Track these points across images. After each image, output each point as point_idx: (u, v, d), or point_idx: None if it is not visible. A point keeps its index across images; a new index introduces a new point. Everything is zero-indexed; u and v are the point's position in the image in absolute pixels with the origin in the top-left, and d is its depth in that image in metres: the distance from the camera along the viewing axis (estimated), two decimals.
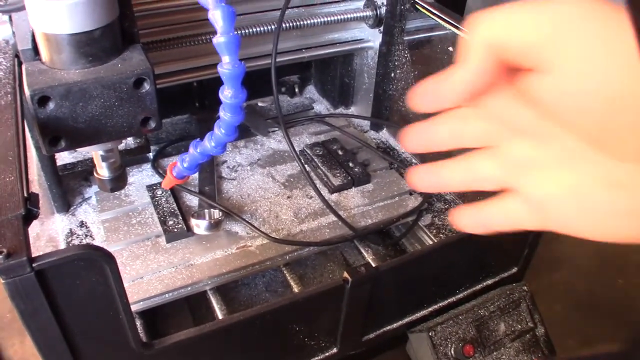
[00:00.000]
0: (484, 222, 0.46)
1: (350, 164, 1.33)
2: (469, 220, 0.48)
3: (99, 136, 0.86)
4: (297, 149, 1.39)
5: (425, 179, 0.49)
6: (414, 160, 1.43)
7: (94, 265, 0.65)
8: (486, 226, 0.46)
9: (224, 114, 0.73)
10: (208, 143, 0.79)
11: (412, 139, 0.48)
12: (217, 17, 0.69)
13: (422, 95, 0.44)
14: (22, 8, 0.77)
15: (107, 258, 0.65)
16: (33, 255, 0.60)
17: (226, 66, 0.69)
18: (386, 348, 1.23)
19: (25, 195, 0.64)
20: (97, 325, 0.73)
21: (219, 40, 0.69)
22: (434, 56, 1.33)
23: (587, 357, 0.50)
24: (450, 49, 1.27)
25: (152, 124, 0.88)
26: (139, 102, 0.85)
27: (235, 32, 0.69)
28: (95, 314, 0.72)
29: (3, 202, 0.62)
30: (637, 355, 0.48)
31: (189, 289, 1.07)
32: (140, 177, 1.31)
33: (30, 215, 0.62)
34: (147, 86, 0.84)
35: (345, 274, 0.87)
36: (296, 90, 1.67)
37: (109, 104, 0.83)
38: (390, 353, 1.24)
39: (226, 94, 0.71)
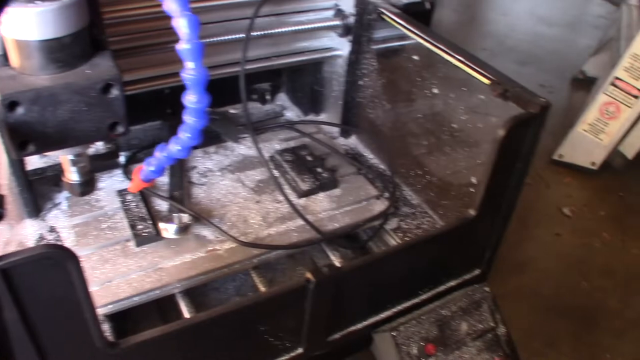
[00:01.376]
0: None
1: (319, 170, 1.36)
2: None
3: (68, 140, 0.88)
4: (267, 154, 1.42)
5: None
6: (381, 166, 1.47)
7: (57, 264, 0.67)
8: None
9: (188, 118, 0.75)
10: (173, 146, 0.81)
11: None
12: (181, 24, 0.72)
13: None
14: None
15: (71, 257, 0.67)
16: None
17: (189, 72, 0.72)
18: (354, 350, 1.25)
19: None
20: (62, 324, 0.74)
21: (182, 47, 0.71)
22: (400, 65, 1.37)
23: None
24: (416, 57, 1.30)
25: (120, 129, 0.90)
26: (107, 107, 0.87)
27: (200, 40, 0.72)
28: (60, 313, 0.73)
29: None
30: None
31: (158, 292, 1.09)
32: (111, 182, 1.32)
33: None
34: (115, 92, 0.86)
35: (308, 275, 0.90)
36: (267, 97, 1.69)
37: (78, 109, 0.85)
38: (357, 355, 1.26)
39: (190, 98, 0.73)
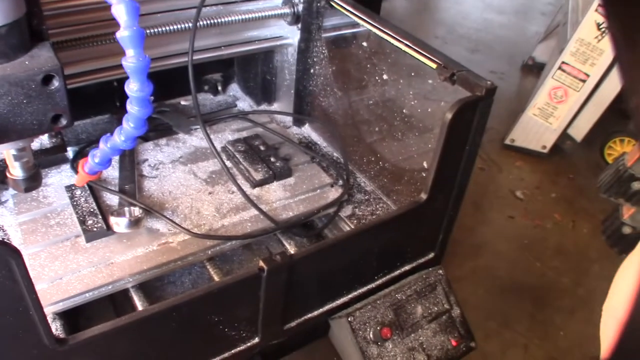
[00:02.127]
0: None
1: (272, 159, 1.35)
2: None
3: (9, 134, 0.85)
4: (219, 145, 1.41)
5: None
6: (335, 154, 1.47)
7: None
8: None
9: (131, 107, 0.74)
10: (118, 137, 0.79)
11: None
12: (120, 11, 0.70)
13: None
14: None
15: (13, 253, 0.65)
16: None
17: (130, 60, 0.70)
18: (312, 338, 1.26)
19: None
20: (7, 322, 0.72)
21: (122, 34, 0.70)
22: (350, 52, 1.37)
23: None
24: (365, 44, 1.31)
25: (64, 121, 0.88)
26: (48, 99, 0.85)
27: (139, 27, 0.71)
28: (5, 311, 0.71)
29: None
30: None
31: (110, 287, 1.07)
32: (59, 177, 1.29)
33: None
34: (56, 83, 0.83)
35: (261, 263, 0.89)
36: (219, 88, 1.67)
37: (17, 102, 0.82)
38: (315, 343, 1.27)
39: (132, 87, 0.72)
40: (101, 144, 0.83)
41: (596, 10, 2.21)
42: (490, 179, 2.38)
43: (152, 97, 0.74)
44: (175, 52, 1.32)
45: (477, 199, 2.24)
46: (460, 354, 1.18)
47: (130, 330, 0.83)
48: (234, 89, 1.73)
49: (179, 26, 1.26)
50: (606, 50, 2.25)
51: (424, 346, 1.13)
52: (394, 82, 1.26)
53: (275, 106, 1.64)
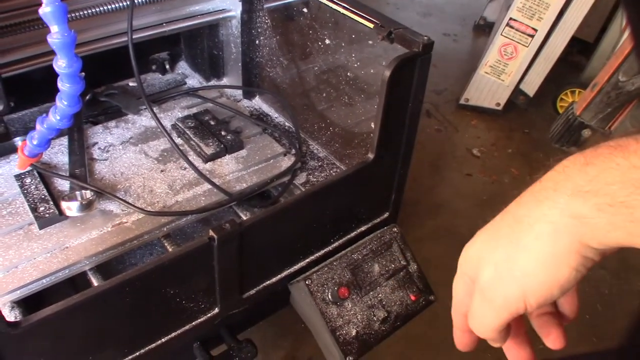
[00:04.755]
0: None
1: (223, 133, 1.35)
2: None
3: None
4: (169, 123, 1.40)
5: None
6: (287, 124, 1.47)
7: None
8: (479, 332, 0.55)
9: (62, 84, 0.73)
10: (53, 117, 0.79)
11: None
12: None
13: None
14: None
15: None
16: None
17: (55, 36, 0.69)
18: (277, 306, 1.27)
19: None
20: None
21: (44, 10, 0.69)
22: (292, 20, 1.37)
23: (583, 355, 0.56)
24: (305, 10, 1.31)
25: None
26: None
27: (62, 1, 0.70)
28: None
29: None
30: (631, 352, 0.53)
31: (67, 271, 1.07)
32: (9, 167, 1.27)
33: None
34: None
35: (211, 232, 0.90)
36: (167, 67, 1.66)
37: None
38: (280, 312, 1.29)
39: (60, 64, 0.71)
40: (38, 125, 0.83)
41: None
42: (447, 139, 2.42)
43: (82, 73, 0.74)
44: (117, 31, 1.30)
45: (435, 159, 2.27)
46: (420, 308, 1.21)
47: (84, 308, 0.83)
48: (183, 66, 1.71)
49: (116, 5, 1.24)
50: (552, 4, 2.28)
51: (383, 303, 1.15)
52: (336, 47, 1.27)
53: (224, 81, 1.63)
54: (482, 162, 2.29)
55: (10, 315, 1.02)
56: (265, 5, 1.40)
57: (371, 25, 1.08)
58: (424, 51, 1.01)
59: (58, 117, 0.77)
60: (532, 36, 2.36)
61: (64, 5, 0.69)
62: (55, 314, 0.79)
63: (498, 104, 2.55)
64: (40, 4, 1.16)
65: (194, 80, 1.66)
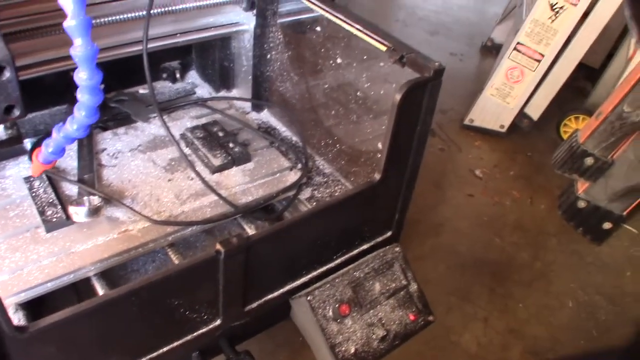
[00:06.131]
0: None
1: (231, 145, 1.36)
2: None
3: None
4: (178, 132, 1.42)
5: None
6: (294, 138, 1.49)
7: None
8: None
9: (82, 96, 0.75)
10: (70, 126, 0.80)
11: None
12: (66, 1, 0.71)
13: None
14: None
15: None
16: None
17: (79, 49, 0.71)
18: (276, 319, 1.28)
19: None
20: None
21: (69, 23, 0.70)
22: (305, 37, 1.39)
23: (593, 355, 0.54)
24: (319, 29, 1.32)
25: (16, 112, 0.88)
26: (0, 90, 0.85)
27: (86, 15, 0.72)
28: None
29: None
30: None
31: (71, 276, 1.08)
32: (17, 169, 1.28)
33: None
34: (7, 74, 0.84)
35: (218, 245, 0.91)
36: (177, 75, 1.68)
37: None
38: (280, 325, 1.30)
39: (81, 76, 0.73)
40: (54, 133, 0.84)
41: None
42: (450, 158, 2.43)
43: (102, 85, 0.75)
44: (131, 40, 1.32)
45: (438, 178, 2.29)
46: (419, 328, 1.22)
47: (90, 315, 0.84)
48: (193, 76, 1.73)
49: (133, 14, 1.26)
50: (560, 30, 2.31)
51: (383, 321, 1.17)
52: (347, 66, 1.29)
53: (233, 92, 1.65)
54: (484, 183, 2.30)
55: (14, 318, 1.03)
56: (279, 21, 1.42)
57: (383, 48, 1.09)
58: (435, 76, 1.02)
59: (75, 127, 0.79)
60: (539, 61, 2.38)
61: (88, 19, 0.70)
62: (63, 320, 0.81)
63: (502, 126, 2.57)
64: (57, 11, 1.19)
65: (203, 90, 1.68)
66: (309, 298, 1.10)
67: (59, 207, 1.17)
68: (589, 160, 1.70)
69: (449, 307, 1.77)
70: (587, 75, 2.95)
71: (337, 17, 1.21)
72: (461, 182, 2.30)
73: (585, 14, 2.28)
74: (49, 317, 0.81)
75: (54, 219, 1.14)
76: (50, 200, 1.19)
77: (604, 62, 2.92)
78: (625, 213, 1.58)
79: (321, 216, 1.08)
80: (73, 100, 1.49)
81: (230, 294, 1.01)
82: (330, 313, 1.11)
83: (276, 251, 1.06)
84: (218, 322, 1.05)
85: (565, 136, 2.59)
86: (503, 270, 1.95)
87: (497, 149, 2.54)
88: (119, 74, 1.49)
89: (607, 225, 1.61)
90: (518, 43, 2.39)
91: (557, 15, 2.30)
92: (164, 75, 1.68)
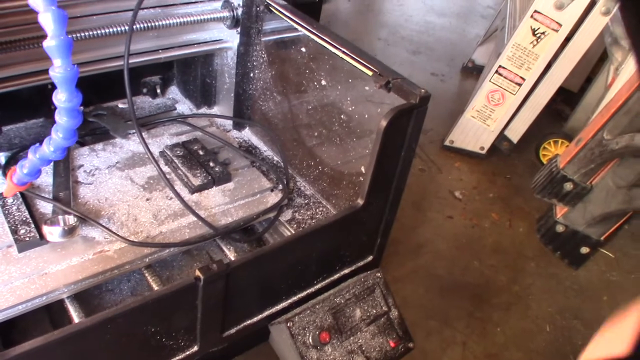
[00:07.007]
0: None
1: (211, 164, 1.34)
2: None
3: None
4: (157, 150, 1.39)
5: None
6: (275, 158, 1.47)
7: None
8: None
9: (60, 118, 0.72)
10: (47, 148, 0.77)
11: None
12: (47, 20, 0.68)
13: None
14: None
15: None
16: None
17: (58, 70, 0.69)
18: (253, 343, 1.26)
19: None
20: None
21: (49, 43, 0.68)
22: (289, 56, 1.38)
23: None
24: (304, 49, 1.31)
25: None
26: None
27: (67, 35, 0.69)
28: None
29: None
30: None
31: (44, 298, 1.04)
32: None
33: None
34: None
35: (197, 272, 0.89)
36: (158, 91, 1.65)
37: None
38: (256, 349, 1.27)
39: (60, 97, 0.70)
40: (30, 155, 0.81)
41: (532, 16, 2.28)
42: (430, 179, 2.43)
43: (81, 107, 0.73)
44: (112, 55, 1.30)
45: (417, 199, 2.28)
46: (399, 355, 1.21)
47: (64, 344, 0.81)
48: (174, 91, 1.71)
49: (115, 29, 1.24)
50: (541, 55, 2.33)
51: (363, 348, 1.15)
52: (332, 88, 1.27)
53: (215, 109, 1.63)
54: (463, 205, 2.30)
55: None
56: (263, 39, 1.41)
57: (370, 73, 1.08)
58: (420, 103, 1.01)
59: (52, 149, 0.76)
60: (520, 85, 2.40)
61: (69, 39, 0.68)
62: (35, 349, 0.77)
63: (482, 148, 2.58)
64: (34, 24, 1.16)
65: (184, 106, 1.66)
66: (288, 324, 1.08)
67: (32, 226, 1.13)
68: (568, 185, 1.71)
69: (427, 331, 1.75)
70: (565, 99, 2.98)
71: (321, 38, 1.20)
72: (441, 204, 2.30)
73: (567, 39, 2.30)
74: (20, 346, 0.78)
75: (27, 238, 1.11)
76: (24, 219, 1.15)
77: (583, 86, 2.96)
78: (603, 238, 1.59)
79: (303, 242, 1.06)
80: (49, 114, 1.48)
81: (209, 321, 0.99)
82: (310, 340, 1.09)
83: (256, 276, 1.03)
84: (195, 348, 1.03)
85: (544, 159, 2.61)
86: (482, 294, 1.94)
87: (476, 170, 2.55)
88: (98, 88, 1.47)
89: (584, 250, 1.62)
90: (500, 66, 2.41)
91: (539, 40, 2.32)
92: (145, 90, 1.65)
